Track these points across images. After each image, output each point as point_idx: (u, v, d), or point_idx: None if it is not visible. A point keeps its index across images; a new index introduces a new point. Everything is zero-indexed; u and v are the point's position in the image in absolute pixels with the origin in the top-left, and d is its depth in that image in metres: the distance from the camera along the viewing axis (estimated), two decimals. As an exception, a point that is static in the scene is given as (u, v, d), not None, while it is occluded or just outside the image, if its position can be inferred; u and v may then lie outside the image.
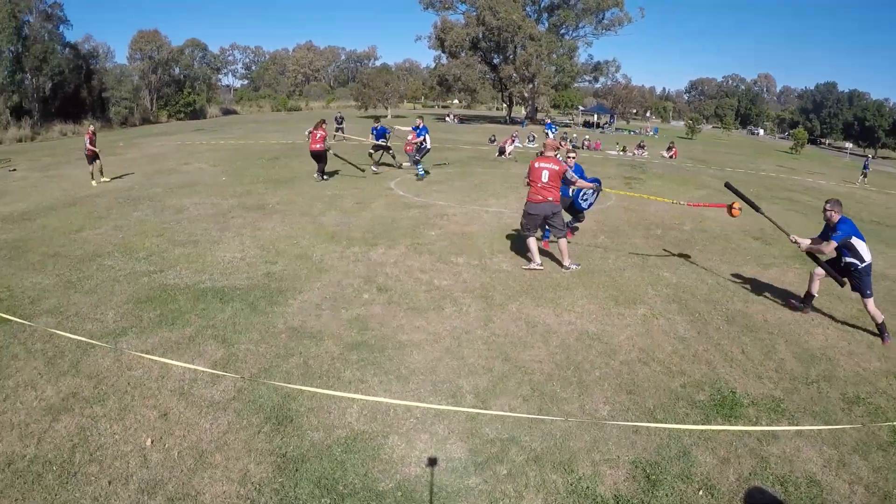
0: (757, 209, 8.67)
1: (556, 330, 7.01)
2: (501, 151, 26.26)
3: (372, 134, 21.10)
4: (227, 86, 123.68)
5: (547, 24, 64.50)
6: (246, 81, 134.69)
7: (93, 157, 18.06)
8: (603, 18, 63.78)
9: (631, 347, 6.62)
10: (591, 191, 9.72)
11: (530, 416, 5.16)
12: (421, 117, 22.48)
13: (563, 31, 65.05)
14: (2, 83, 50.21)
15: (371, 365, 6.10)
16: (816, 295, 7.94)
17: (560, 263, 9.20)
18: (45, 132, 49.04)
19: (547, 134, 25.21)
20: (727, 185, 9.11)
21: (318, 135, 17.63)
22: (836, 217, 7.38)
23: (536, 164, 8.89)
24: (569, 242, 9.40)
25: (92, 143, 17.98)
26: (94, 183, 18.04)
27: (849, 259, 7.33)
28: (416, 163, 19.52)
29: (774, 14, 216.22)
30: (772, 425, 5.20)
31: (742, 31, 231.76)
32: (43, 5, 54.28)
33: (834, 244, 7.26)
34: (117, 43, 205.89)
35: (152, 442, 4.80)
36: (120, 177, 19.35)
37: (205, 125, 54.13)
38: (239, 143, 32.27)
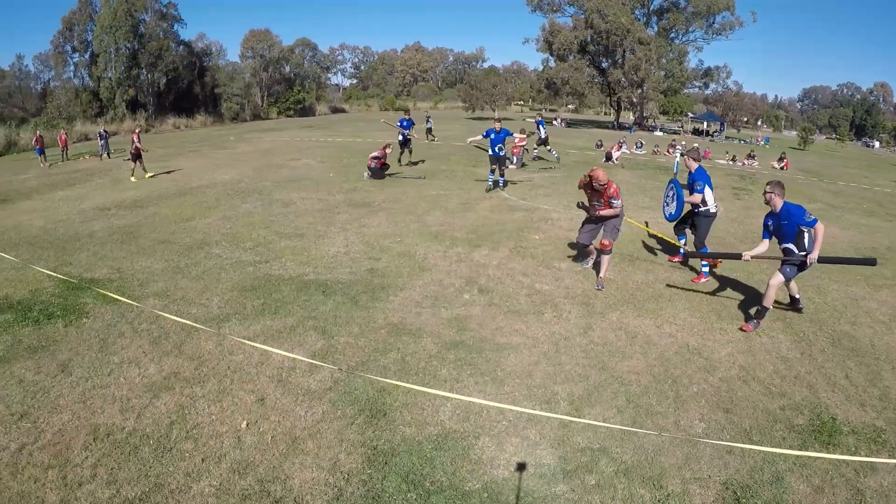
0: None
1: (655, 342, 6.92)
2: (608, 157, 25.96)
3: (400, 126, 21.49)
4: (336, 84, 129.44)
5: (656, 28, 63.12)
6: (354, 80, 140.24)
7: (137, 154, 20.02)
8: (713, 22, 61.51)
9: (731, 364, 6.43)
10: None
11: (623, 427, 5.14)
12: (407, 111, 22.89)
13: (672, 35, 63.39)
14: (119, 78, 56.16)
15: (467, 365, 6.25)
16: (797, 296, 7.87)
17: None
18: (159, 125, 54.08)
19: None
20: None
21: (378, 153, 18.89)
22: (778, 203, 7.36)
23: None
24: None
25: (139, 141, 20.18)
26: (132, 178, 19.72)
27: (788, 245, 7.32)
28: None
29: (893, 19, 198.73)
30: (871, 456, 4.90)
31: (858, 37, 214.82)
32: (158, 5, 60.14)
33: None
34: (230, 41, 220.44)
35: (247, 425, 5.15)
36: (168, 172, 20.75)
37: (314, 122, 56.90)
38: (346, 140, 33.69)
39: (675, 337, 7.05)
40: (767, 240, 7.60)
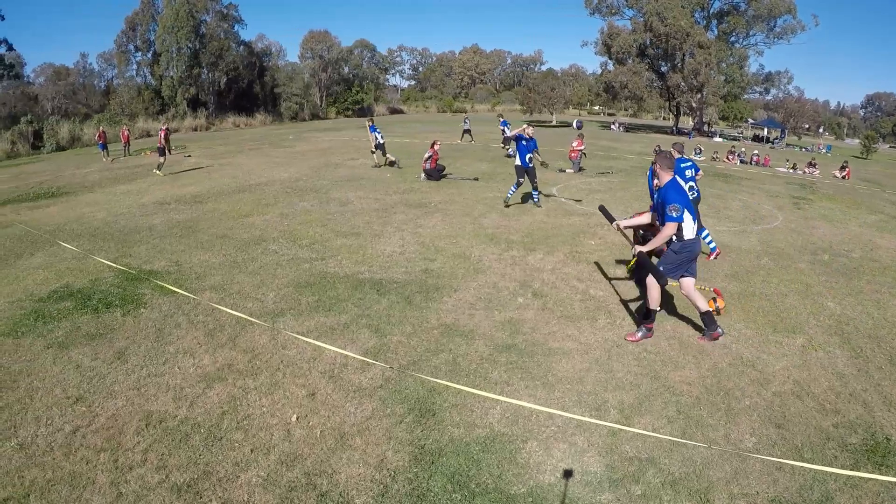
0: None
1: (709, 352, 6.78)
2: None
3: (371, 132, 22.38)
4: (395, 86, 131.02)
5: (716, 32, 61.84)
6: (413, 82, 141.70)
7: (162, 150, 21.61)
8: (774, 26, 59.70)
9: (785, 378, 6.24)
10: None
11: (673, 438, 5.06)
12: (371, 118, 22.87)
13: (733, 38, 61.93)
14: (180, 76, 58.42)
15: (519, 369, 6.25)
16: (711, 308, 7.36)
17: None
18: (219, 123, 55.93)
19: (503, 131, 24.29)
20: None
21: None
22: (664, 177, 6.91)
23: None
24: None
25: (166, 138, 22.12)
26: (157, 172, 21.08)
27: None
28: (581, 169, 19.69)
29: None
30: (923, 480, 4.70)
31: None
32: (219, 6, 62.20)
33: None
34: (289, 42, 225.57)
35: (297, 418, 5.26)
36: (192, 169, 21.14)
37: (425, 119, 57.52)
38: (404, 141, 34.00)
39: (729, 348, 6.91)
40: (650, 213, 7.29)
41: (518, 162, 14.34)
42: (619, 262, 9.96)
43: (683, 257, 6.84)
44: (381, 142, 22.26)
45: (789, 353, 6.88)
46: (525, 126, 14.77)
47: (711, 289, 8.64)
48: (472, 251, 10.51)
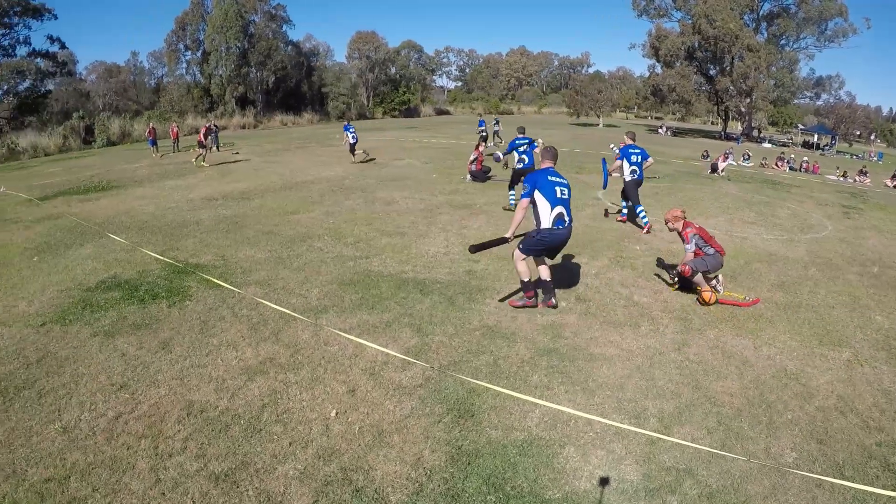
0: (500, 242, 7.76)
1: (752, 363, 6.63)
2: (714, 169, 25.04)
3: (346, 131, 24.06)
4: (441, 87, 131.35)
5: (766, 35, 60.19)
6: (459, 83, 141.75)
7: (200, 145, 24.16)
8: (825, 29, 57.81)
9: (829, 393, 6.06)
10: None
11: (712, 450, 4.97)
12: (348, 118, 23.00)
13: (783, 42, 60.23)
14: (229, 75, 59.99)
15: (559, 373, 6.22)
16: (548, 279, 7.89)
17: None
18: (267, 121, 57.09)
19: (482, 132, 24.14)
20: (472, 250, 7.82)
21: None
22: (544, 164, 7.74)
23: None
24: None
25: (206, 135, 24.64)
26: (193, 162, 23.80)
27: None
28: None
29: None
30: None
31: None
32: (267, 6, 63.70)
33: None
34: (337, 42, 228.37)
35: (336, 414, 5.32)
36: (233, 161, 21.40)
37: (418, 123, 58.07)
38: (450, 142, 34.13)
39: (773, 360, 6.76)
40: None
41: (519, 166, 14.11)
42: (666, 265, 9.81)
43: (544, 245, 7.60)
44: (353, 142, 23.74)
45: (834, 367, 6.71)
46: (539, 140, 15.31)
47: (749, 298, 8.52)
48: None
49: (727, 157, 27.19)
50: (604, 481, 4.55)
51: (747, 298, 8.58)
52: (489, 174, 19.48)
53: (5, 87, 45.13)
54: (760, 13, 60.64)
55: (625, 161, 12.95)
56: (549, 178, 7.47)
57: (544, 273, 7.91)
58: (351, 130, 23.77)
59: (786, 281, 9.69)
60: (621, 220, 13.49)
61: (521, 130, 15.03)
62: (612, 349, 6.83)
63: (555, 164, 7.85)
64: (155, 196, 16.39)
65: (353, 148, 23.78)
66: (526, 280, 7.76)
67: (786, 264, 10.66)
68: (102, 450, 4.75)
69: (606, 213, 14.39)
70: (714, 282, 8.68)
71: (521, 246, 7.61)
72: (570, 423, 5.31)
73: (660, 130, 63.09)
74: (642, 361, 6.56)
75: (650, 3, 63.19)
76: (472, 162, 19.15)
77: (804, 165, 32.15)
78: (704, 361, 6.63)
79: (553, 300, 7.88)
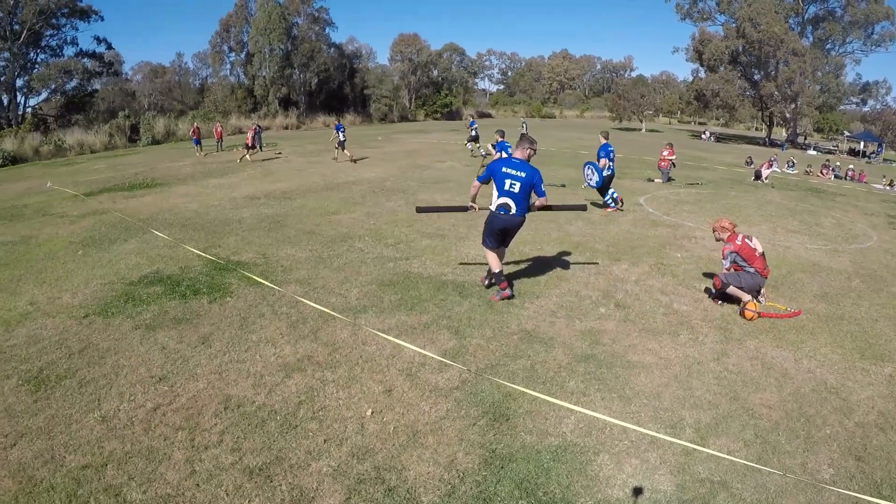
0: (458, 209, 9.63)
1: (792, 376, 6.49)
2: (758, 176, 24.54)
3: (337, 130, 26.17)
4: (483, 90, 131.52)
5: (811, 39, 58.72)
6: (501, 86, 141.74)
7: (249, 146, 26.11)
8: (872, 33, 56.22)
9: (870, 409, 5.89)
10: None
11: (748, 463, 4.88)
12: (338, 118, 23.77)
13: (828, 46, 58.67)
14: (272, 76, 61.11)
15: (596, 380, 6.18)
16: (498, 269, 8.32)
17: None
18: (310, 122, 57.86)
19: (470, 129, 26.96)
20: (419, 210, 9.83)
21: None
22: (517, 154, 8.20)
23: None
24: None
25: (253, 135, 26.64)
26: (238, 161, 25.38)
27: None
28: (670, 179, 20.48)
29: None
30: None
31: None
32: (310, 9, 64.76)
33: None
34: (379, 45, 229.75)
35: (372, 413, 5.37)
36: (268, 159, 21.57)
37: (460, 126, 58.01)
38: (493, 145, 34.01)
39: (813, 373, 6.62)
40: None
41: None
42: (705, 274, 9.68)
43: (490, 227, 8.19)
44: (342, 139, 25.60)
45: (876, 381, 6.53)
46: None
47: (790, 309, 8.37)
48: (556, 258, 10.46)
49: (771, 164, 26.69)
50: (637, 491, 4.50)
51: (789, 309, 8.42)
52: None
53: (53, 86, 46.63)
54: (805, 16, 59.53)
55: (607, 159, 15.14)
56: (505, 169, 7.97)
57: (495, 268, 8.36)
58: (341, 130, 25.83)
59: (828, 292, 9.49)
60: (612, 210, 15.22)
61: (501, 133, 17.09)
62: (651, 357, 6.77)
63: (526, 155, 8.15)
64: (198, 194, 16.74)
65: (342, 145, 25.55)
66: (496, 272, 8.25)
67: (829, 275, 10.43)
68: (140, 440, 4.87)
69: (620, 203, 15.71)
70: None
71: (482, 238, 8.36)
72: (606, 430, 5.28)
73: (703, 136, 62.04)
74: (680, 370, 6.49)
75: (694, 6, 62.58)
76: None
77: (850, 173, 31.32)
78: (743, 372, 6.52)
79: (507, 291, 8.27)
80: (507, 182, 7.96)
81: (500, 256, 8.54)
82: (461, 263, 9.94)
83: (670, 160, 21.85)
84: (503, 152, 15.86)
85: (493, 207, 8.12)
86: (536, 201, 8.23)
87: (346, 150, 25.62)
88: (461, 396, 5.70)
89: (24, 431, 5.00)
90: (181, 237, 11.41)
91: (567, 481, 4.56)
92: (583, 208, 10.04)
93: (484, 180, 8.17)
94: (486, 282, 8.77)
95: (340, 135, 25.55)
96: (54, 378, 5.90)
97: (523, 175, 7.94)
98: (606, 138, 15.72)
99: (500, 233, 8.23)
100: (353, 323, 7.36)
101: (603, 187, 15.34)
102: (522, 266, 9.89)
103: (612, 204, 15.32)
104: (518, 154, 8.17)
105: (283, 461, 4.64)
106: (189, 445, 4.80)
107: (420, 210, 9.75)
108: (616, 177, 20.32)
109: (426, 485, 4.45)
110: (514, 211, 8.02)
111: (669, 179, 21.87)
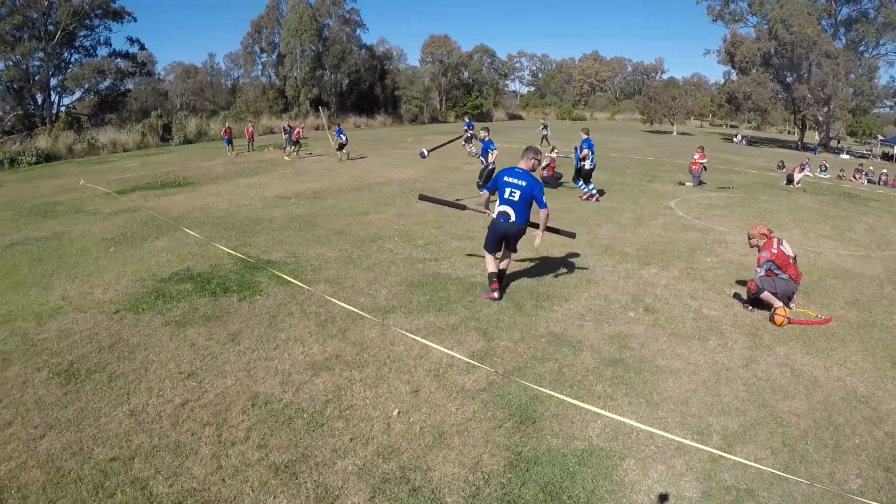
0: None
1: (822, 384, 6.37)
2: (790, 180, 24.11)
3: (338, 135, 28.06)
4: (514, 91, 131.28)
5: (844, 41, 57.43)
6: (532, 88, 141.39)
7: (295, 141, 28.24)
8: None
9: None
10: None
11: (775, 471, 4.81)
12: (339, 122, 24.07)
13: (861, 48, 57.32)
14: (303, 77, 61.86)
15: (623, 384, 6.15)
16: (494, 271, 8.55)
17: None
18: (341, 123, 57.84)
19: (466, 129, 28.09)
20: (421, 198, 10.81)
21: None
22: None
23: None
24: None
25: (298, 134, 28.66)
26: (286, 157, 27.28)
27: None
28: (701, 183, 20.84)
29: None
30: None
31: None
32: (341, 11, 65.31)
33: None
34: (410, 46, 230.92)
35: (399, 413, 5.40)
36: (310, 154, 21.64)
37: (490, 127, 58.08)
38: (522, 147, 33.91)
39: (843, 381, 6.50)
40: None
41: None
42: (738, 282, 9.55)
43: (490, 233, 8.52)
44: (344, 142, 26.96)
45: None
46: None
47: (821, 316, 8.23)
48: (585, 261, 10.42)
49: (803, 168, 26.25)
50: (662, 497, 4.47)
51: (819, 316, 8.28)
52: (561, 180, 19.42)
53: (87, 86, 47.43)
54: (838, 18, 58.39)
55: (589, 151, 16.69)
56: (506, 178, 8.26)
57: (499, 265, 8.74)
58: (342, 133, 27.44)
59: (860, 299, 9.31)
60: (595, 200, 16.88)
61: (487, 131, 17.64)
62: (679, 362, 6.71)
63: (529, 165, 8.39)
64: (229, 193, 16.97)
65: (341, 147, 26.90)
66: (490, 272, 8.53)
67: (861, 281, 10.23)
68: (167, 434, 4.95)
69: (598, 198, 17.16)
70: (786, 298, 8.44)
71: (485, 243, 8.65)
72: (632, 435, 5.25)
73: (734, 139, 61.19)
74: (709, 376, 6.42)
75: (725, 7, 61.60)
76: (543, 168, 19.08)
77: (883, 178, 30.64)
78: (772, 379, 6.44)
79: (495, 294, 8.41)
80: (508, 191, 8.23)
81: (507, 261, 8.87)
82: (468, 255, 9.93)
83: (701, 163, 21.66)
84: (489, 152, 16.42)
85: (494, 215, 8.42)
86: (541, 213, 8.28)
87: (343, 151, 26.83)
88: (488, 398, 5.70)
89: (53, 423, 5.12)
90: (212, 235, 11.57)
91: (592, 486, 4.54)
92: (572, 236, 9.97)
93: (491, 189, 8.55)
94: (492, 295, 8.65)
95: (342, 137, 26.93)
96: (84, 372, 6.03)
97: (524, 184, 8.15)
98: (587, 134, 17.25)
99: (500, 239, 8.46)
100: (382, 323, 7.40)
101: (584, 178, 17.07)
102: (552, 269, 9.85)
103: (594, 192, 17.11)
104: (522, 164, 8.38)
105: (308, 459, 4.68)
106: (216, 441, 4.86)
107: (422, 198, 10.76)
108: (648, 180, 20.37)
109: (451, 486, 4.46)
110: (513, 219, 8.24)
111: (700, 183, 21.65)
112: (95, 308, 7.78)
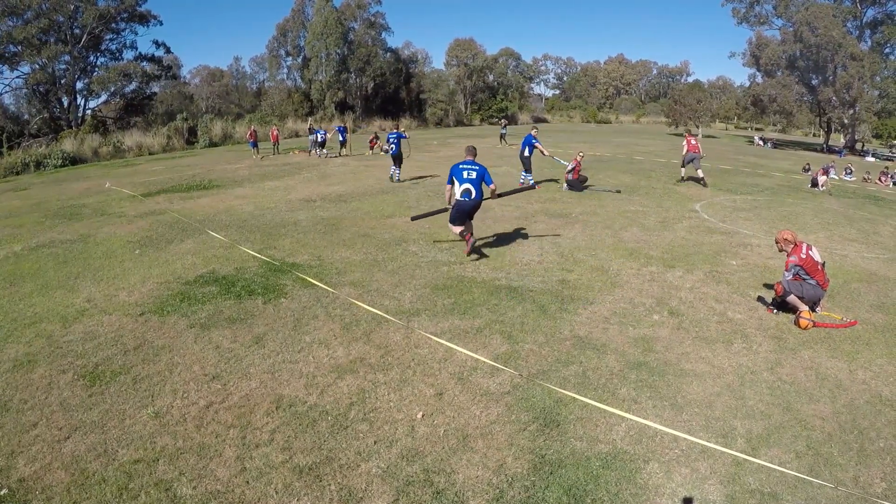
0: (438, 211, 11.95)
1: (846, 387, 6.30)
2: (815, 183, 23.77)
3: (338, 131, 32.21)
4: (539, 94, 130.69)
5: (869, 43, 56.39)
6: (557, 91, 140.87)
7: (323, 143, 29.60)
8: None
9: None
10: None
11: (799, 474, 4.77)
12: (342, 121, 25.03)
13: (887, 50, 56.22)
14: (329, 81, 62.36)
15: (648, 387, 6.12)
16: (469, 237, 10.70)
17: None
18: (366, 126, 58.29)
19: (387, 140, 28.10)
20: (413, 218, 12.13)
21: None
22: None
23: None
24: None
25: (342, 133, 31.19)
26: (339, 155, 29.62)
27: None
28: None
29: None
30: None
31: None
32: (367, 14, 65.85)
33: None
34: (435, 49, 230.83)
35: (423, 416, 5.42)
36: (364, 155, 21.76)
37: (515, 131, 57.91)
38: (548, 150, 33.85)
39: (868, 384, 6.41)
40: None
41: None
42: (766, 285, 9.43)
43: (458, 210, 10.35)
44: (343, 140, 30.20)
45: None
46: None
47: (846, 319, 8.12)
48: (610, 264, 10.35)
49: (827, 172, 25.88)
50: (686, 501, 4.47)
51: (844, 319, 8.18)
52: (586, 183, 19.33)
53: (112, 89, 48.18)
54: (864, 20, 57.55)
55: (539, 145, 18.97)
56: (462, 166, 10.41)
57: (466, 234, 10.68)
58: (342, 131, 30.61)
59: (885, 302, 9.16)
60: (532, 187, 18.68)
61: (396, 126, 21.43)
62: (704, 366, 6.67)
63: (473, 157, 10.66)
64: (254, 196, 17.11)
65: (343, 144, 30.17)
66: (458, 233, 10.67)
67: (886, 285, 10.07)
68: (192, 436, 5.01)
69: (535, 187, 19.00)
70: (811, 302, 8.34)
71: (450, 218, 10.51)
72: (656, 438, 5.23)
73: (758, 142, 60.45)
74: (733, 380, 6.39)
75: (750, 10, 60.99)
76: (569, 171, 19.04)
77: (903, 182, 30.09)
78: (797, 383, 6.38)
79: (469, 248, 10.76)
80: (465, 173, 10.39)
81: (468, 230, 10.69)
82: (478, 251, 9.92)
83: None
84: (392, 140, 19.94)
85: (458, 196, 10.32)
86: (489, 189, 10.66)
87: (344, 149, 29.62)
88: (512, 401, 5.70)
89: (78, 425, 5.21)
90: (237, 238, 11.67)
91: (616, 489, 4.53)
92: (532, 188, 12.35)
93: (450, 182, 10.54)
94: (469, 249, 10.75)
95: (341, 135, 30.24)
96: (109, 374, 6.12)
97: (477, 167, 10.39)
98: (535, 130, 19.87)
99: (466, 214, 10.39)
100: (406, 326, 7.43)
101: (527, 165, 19.09)
102: (576, 272, 9.81)
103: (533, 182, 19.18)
104: (469, 157, 10.64)
105: (332, 461, 4.71)
106: (240, 443, 4.91)
107: (415, 218, 12.04)
108: (673, 182, 20.30)
109: (474, 488, 4.46)
110: (474, 195, 10.27)
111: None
112: (120, 310, 7.89)
